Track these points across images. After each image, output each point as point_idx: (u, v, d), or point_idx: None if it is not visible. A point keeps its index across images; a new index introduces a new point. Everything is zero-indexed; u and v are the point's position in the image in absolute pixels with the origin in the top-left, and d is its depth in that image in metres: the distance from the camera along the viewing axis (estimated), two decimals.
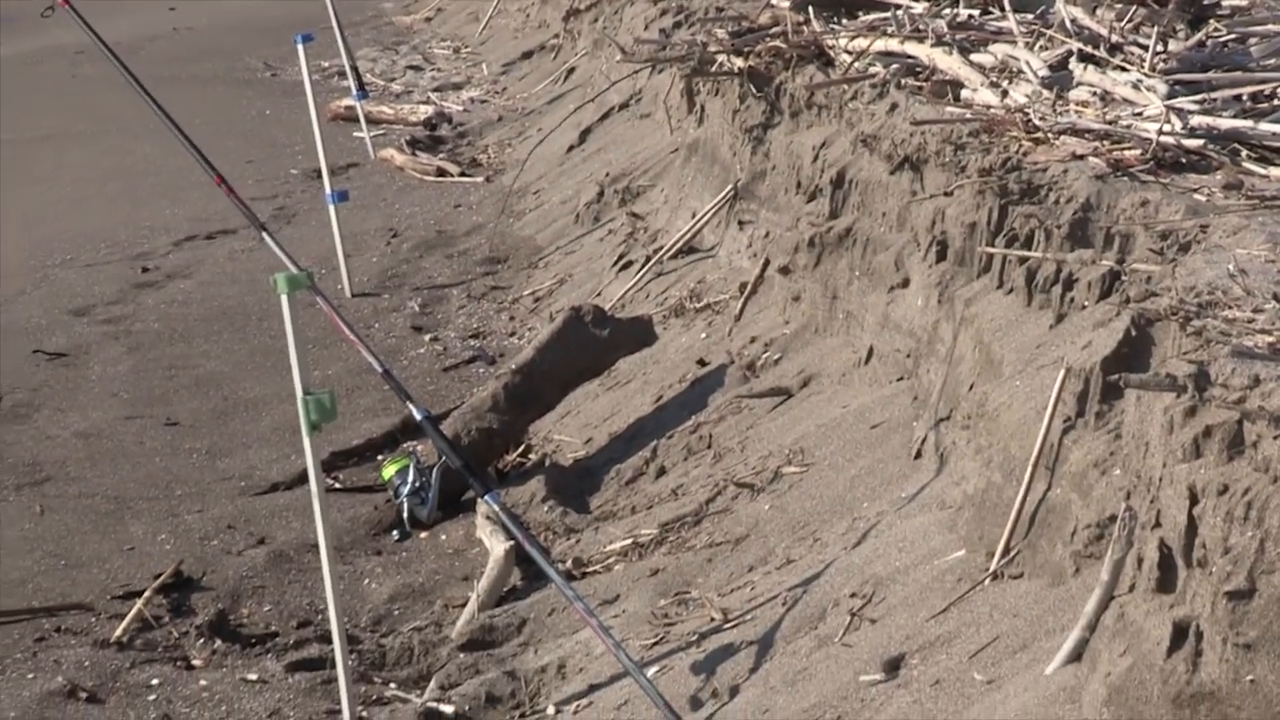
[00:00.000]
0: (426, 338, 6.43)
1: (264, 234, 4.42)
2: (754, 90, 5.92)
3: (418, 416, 3.99)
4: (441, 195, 8.58)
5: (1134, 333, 3.09)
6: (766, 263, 5.35)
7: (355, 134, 9.47)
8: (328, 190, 6.88)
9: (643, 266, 6.31)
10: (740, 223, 5.89)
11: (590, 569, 4.13)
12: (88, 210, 8.21)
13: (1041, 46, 4.71)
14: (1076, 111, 4.21)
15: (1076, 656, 2.62)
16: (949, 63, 4.83)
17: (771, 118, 5.86)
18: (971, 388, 3.71)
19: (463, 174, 8.97)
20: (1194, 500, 2.36)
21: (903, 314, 4.37)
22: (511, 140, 9.67)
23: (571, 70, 10.39)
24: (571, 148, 8.63)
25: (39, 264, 7.20)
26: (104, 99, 9.40)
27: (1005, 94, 4.45)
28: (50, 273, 7.09)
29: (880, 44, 5.25)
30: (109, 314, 6.61)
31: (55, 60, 11.72)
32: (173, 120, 4.28)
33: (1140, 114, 4.04)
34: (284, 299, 4.10)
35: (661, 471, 4.68)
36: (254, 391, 5.81)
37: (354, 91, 9.11)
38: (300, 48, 7.04)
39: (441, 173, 8.95)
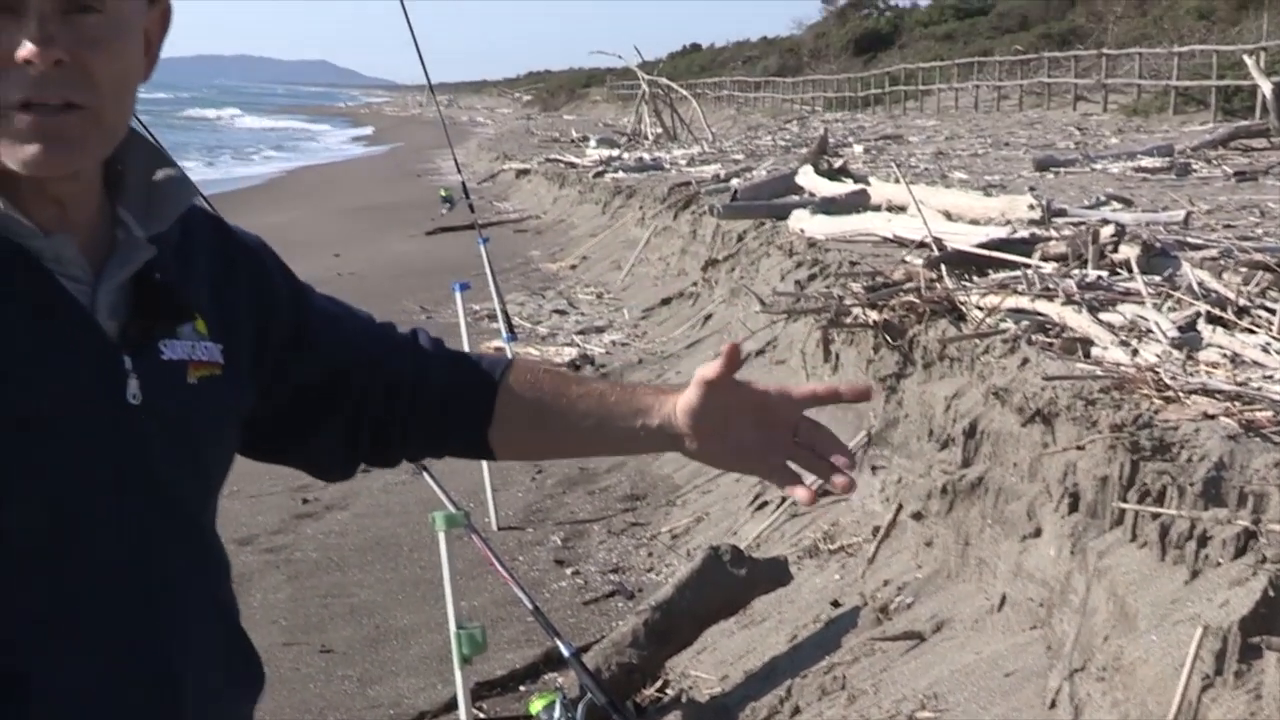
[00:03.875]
0: (568, 571, 6.64)
1: (423, 472, 4.69)
2: (888, 341, 6.15)
3: (565, 652, 4.17)
4: None
5: (1272, 593, 3.15)
6: (900, 508, 5.49)
7: None
8: None
9: (778, 507, 6.48)
10: (873, 468, 6.05)
11: None
12: None
13: (1170, 307, 4.88)
14: (1207, 372, 4.34)
15: None
16: (1079, 321, 5.02)
17: (904, 368, 6.07)
18: (1106, 640, 3.77)
19: None
20: None
21: (1035, 563, 4.47)
22: (652, 382, 10.00)
23: (709, 317, 10.77)
24: None
25: None
26: None
27: (1135, 353, 4.61)
28: (219, 503, 7.47)
29: (1011, 301, 5.47)
30: (271, 543, 6.93)
31: None
32: None
33: (1270, 376, 4.15)
34: (441, 536, 4.36)
35: (796, 711, 4.77)
36: (404, 620, 6.04)
37: (504, 334, 9.56)
38: (458, 295, 7.46)
39: None
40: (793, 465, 1.69)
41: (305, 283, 1.73)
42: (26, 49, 1.31)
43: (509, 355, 8.49)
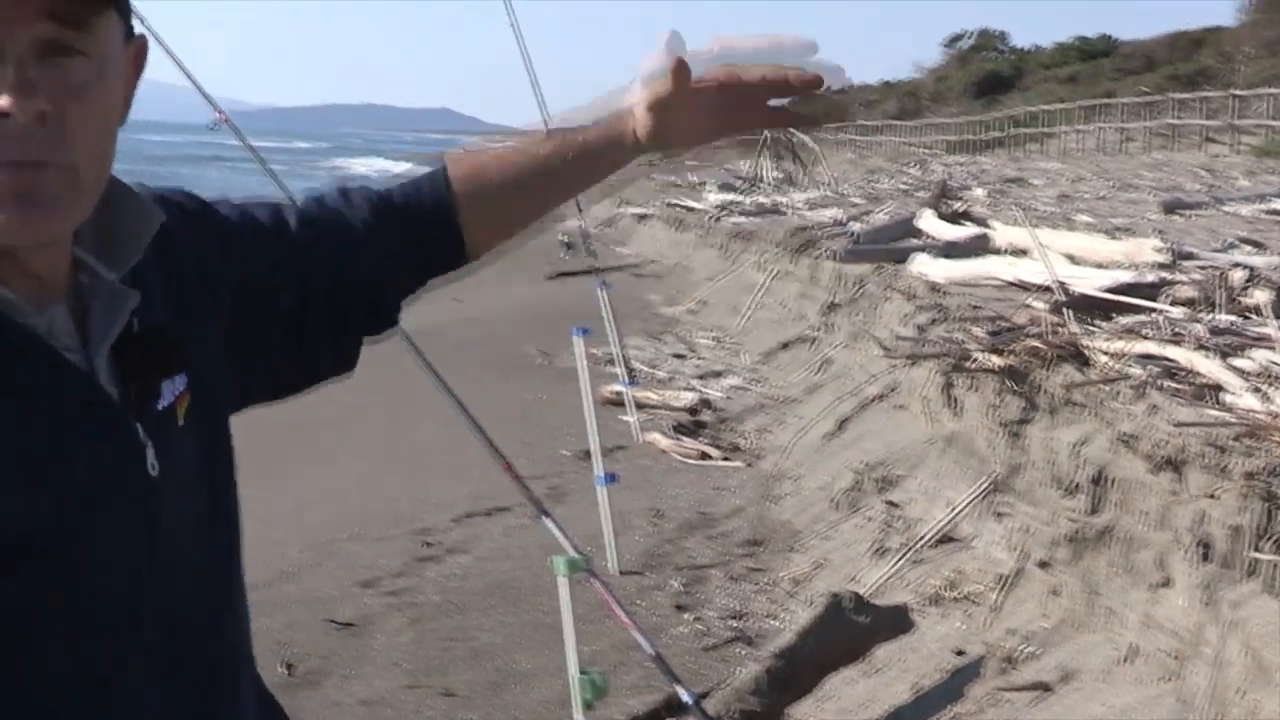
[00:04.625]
0: (688, 616, 6.62)
1: (544, 517, 4.72)
2: (1011, 387, 6.09)
3: (687, 699, 4.17)
4: (703, 478, 8.90)
5: None
6: (1025, 556, 5.41)
7: (623, 418, 9.93)
8: (598, 472, 7.23)
9: (900, 554, 6.42)
10: (997, 515, 5.98)
11: None
12: (376, 486, 8.80)
13: None
14: None
15: None
16: (1209, 366, 4.93)
17: (1029, 414, 6.00)
18: (1242, 694, 3.69)
19: (724, 458, 9.29)
20: None
21: (1166, 614, 4.38)
22: (770, 427, 9.98)
23: (828, 361, 10.72)
24: (829, 435, 8.87)
25: (332, 537, 7.71)
26: (395, 382, 10.14)
27: (1268, 399, 4.52)
28: (341, 546, 7.58)
29: (1138, 346, 5.39)
30: (393, 586, 7.01)
31: None
32: (460, 402, 4.52)
33: None
34: (561, 581, 4.39)
35: None
36: (525, 665, 6.07)
37: (623, 378, 9.63)
38: (577, 339, 7.52)
39: (704, 456, 9.29)
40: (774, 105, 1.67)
41: (217, 206, 1.58)
42: (6, 100, 1.17)
43: (628, 398, 8.42)
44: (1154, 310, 5.84)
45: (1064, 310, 6.20)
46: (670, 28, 1.66)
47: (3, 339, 1.23)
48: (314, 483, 8.92)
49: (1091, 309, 6.36)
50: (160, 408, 1.34)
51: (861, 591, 5.79)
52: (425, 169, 1.77)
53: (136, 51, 1.35)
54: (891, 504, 7.16)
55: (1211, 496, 4.30)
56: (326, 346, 1.66)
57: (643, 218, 28.85)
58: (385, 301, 1.71)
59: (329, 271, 1.63)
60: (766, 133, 32.20)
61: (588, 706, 4.19)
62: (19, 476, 1.20)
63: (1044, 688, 4.73)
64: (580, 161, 1.70)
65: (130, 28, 1.33)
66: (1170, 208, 14.77)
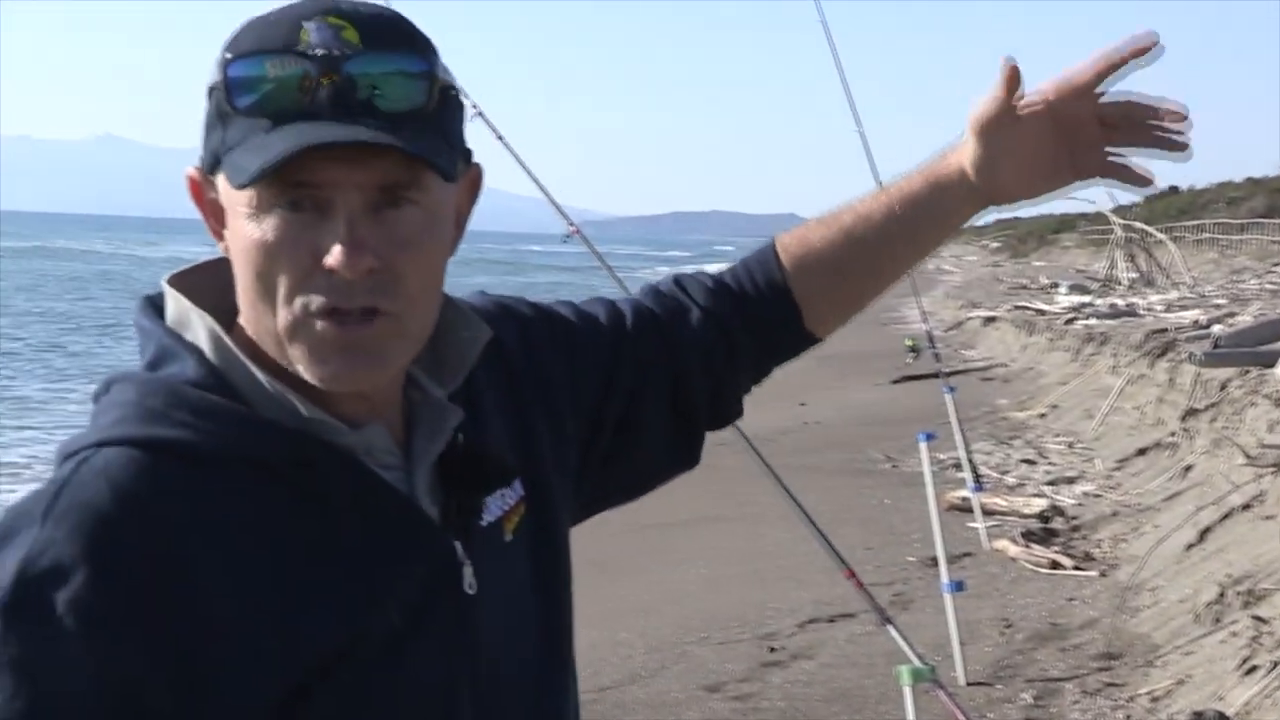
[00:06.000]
0: None
1: (888, 625, 4.70)
2: None
3: None
4: (1055, 587, 8.63)
5: None
6: None
7: (969, 524, 9.75)
8: (944, 579, 7.13)
9: (1269, 672, 6.06)
10: None
11: None
12: (722, 590, 8.91)
13: None
14: None
15: None
16: None
17: None
18: None
19: (1076, 567, 8.99)
20: None
21: None
22: (1126, 535, 9.61)
23: (1189, 468, 10.26)
24: (1190, 545, 8.47)
25: (678, 641, 7.84)
26: (740, 487, 10.26)
27: None
28: (688, 650, 7.70)
29: None
30: (739, 691, 7.06)
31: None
32: (802, 507, 4.48)
33: None
34: (907, 691, 4.36)
35: None
36: None
37: (970, 484, 9.47)
38: (923, 445, 7.47)
39: (1055, 565, 9.02)
40: (1114, 153, 1.53)
41: (556, 308, 1.59)
42: (335, 255, 1.19)
43: (975, 504, 8.26)
44: None
45: None
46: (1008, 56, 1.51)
47: (317, 459, 1.24)
48: (660, 585, 9.12)
49: None
50: (485, 523, 1.34)
51: (1228, 712, 5.49)
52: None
53: (472, 179, 1.35)
54: (1259, 619, 6.77)
55: None
56: (669, 442, 1.63)
57: (990, 320, 28.40)
58: (727, 392, 1.65)
59: (669, 362, 1.60)
60: (1119, 230, 31.27)
61: None
62: (326, 598, 1.22)
63: None
64: (910, 211, 1.59)
65: (467, 156, 1.34)
66: None
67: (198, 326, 1.29)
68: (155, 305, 1.33)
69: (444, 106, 1.25)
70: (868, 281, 1.66)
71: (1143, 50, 1.48)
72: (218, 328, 1.28)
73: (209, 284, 1.31)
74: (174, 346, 1.28)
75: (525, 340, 1.52)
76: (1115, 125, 1.52)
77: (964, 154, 1.55)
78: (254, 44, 1.21)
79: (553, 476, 1.46)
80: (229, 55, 1.21)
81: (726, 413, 1.67)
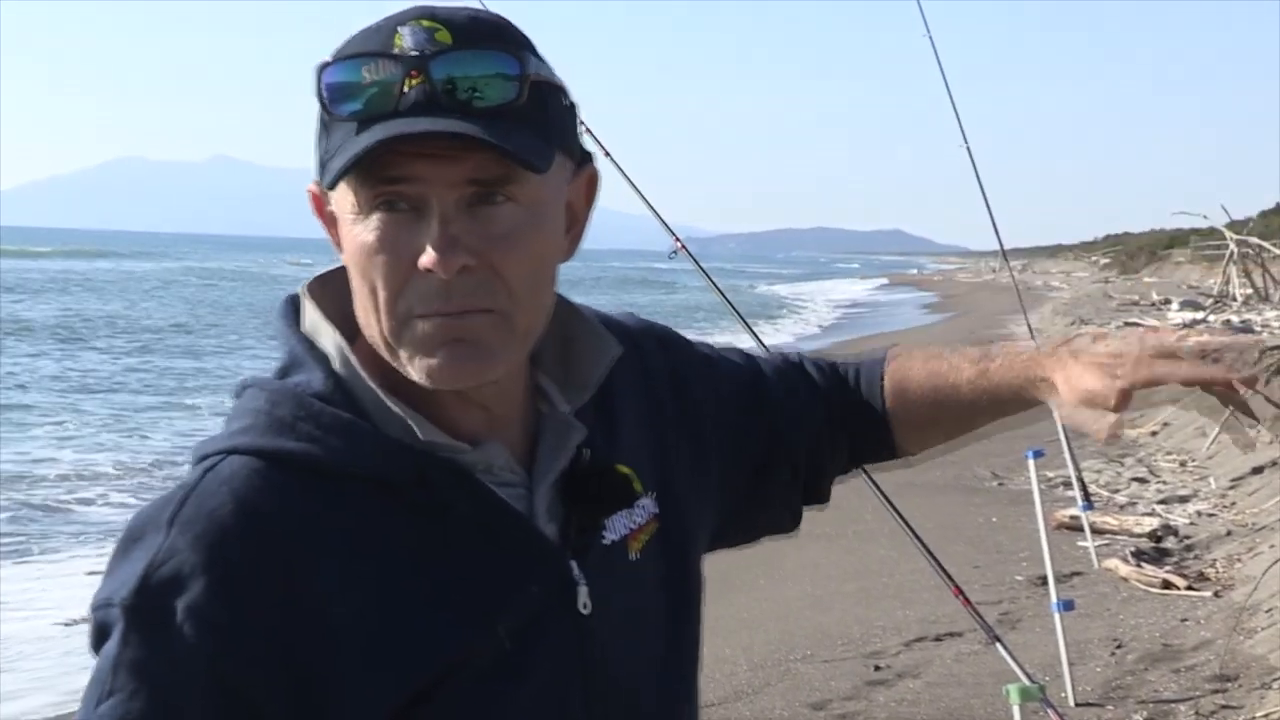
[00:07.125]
0: None
1: (997, 643, 4.66)
2: None
3: None
4: (1167, 608, 8.48)
5: None
6: None
7: (1079, 543, 9.63)
8: (1053, 598, 7.04)
9: None
10: None
11: None
12: (827, 608, 8.87)
13: None
14: None
15: None
16: None
17: None
18: None
19: (1190, 588, 8.83)
20: None
21: None
22: (1241, 555, 9.42)
23: None
24: None
25: (783, 658, 7.82)
26: (846, 504, 10.14)
27: None
28: (792, 667, 7.68)
29: None
30: (843, 709, 7.03)
31: None
32: (908, 524, 4.48)
33: None
34: (1015, 710, 4.33)
35: None
36: None
37: (1079, 502, 9.34)
38: (1031, 462, 7.39)
39: (1167, 585, 8.86)
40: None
41: (693, 343, 1.63)
42: (428, 256, 1.19)
43: (1085, 523, 8.16)
44: None
45: None
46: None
47: (436, 477, 1.25)
48: (765, 601, 9.10)
49: None
50: (608, 542, 1.35)
51: None
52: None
53: (589, 180, 1.34)
54: None
55: None
56: (778, 503, 1.68)
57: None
58: (825, 471, 1.71)
59: (797, 427, 1.64)
60: (1233, 245, 30.67)
61: None
62: (439, 613, 1.23)
63: None
64: (991, 405, 1.66)
65: (583, 157, 1.33)
66: None
67: (326, 337, 1.31)
68: (296, 308, 1.35)
69: (537, 103, 1.24)
70: (945, 436, 1.74)
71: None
72: (341, 339, 1.30)
73: (338, 293, 1.32)
74: (304, 355, 1.30)
75: (671, 362, 1.55)
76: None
77: (1058, 393, 1.60)
78: (350, 50, 1.24)
79: (690, 498, 1.47)
80: (326, 62, 1.23)
81: (819, 491, 1.73)
